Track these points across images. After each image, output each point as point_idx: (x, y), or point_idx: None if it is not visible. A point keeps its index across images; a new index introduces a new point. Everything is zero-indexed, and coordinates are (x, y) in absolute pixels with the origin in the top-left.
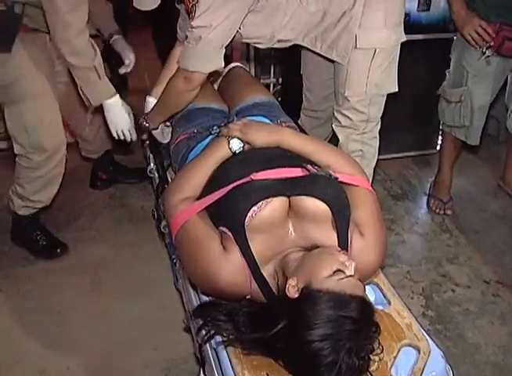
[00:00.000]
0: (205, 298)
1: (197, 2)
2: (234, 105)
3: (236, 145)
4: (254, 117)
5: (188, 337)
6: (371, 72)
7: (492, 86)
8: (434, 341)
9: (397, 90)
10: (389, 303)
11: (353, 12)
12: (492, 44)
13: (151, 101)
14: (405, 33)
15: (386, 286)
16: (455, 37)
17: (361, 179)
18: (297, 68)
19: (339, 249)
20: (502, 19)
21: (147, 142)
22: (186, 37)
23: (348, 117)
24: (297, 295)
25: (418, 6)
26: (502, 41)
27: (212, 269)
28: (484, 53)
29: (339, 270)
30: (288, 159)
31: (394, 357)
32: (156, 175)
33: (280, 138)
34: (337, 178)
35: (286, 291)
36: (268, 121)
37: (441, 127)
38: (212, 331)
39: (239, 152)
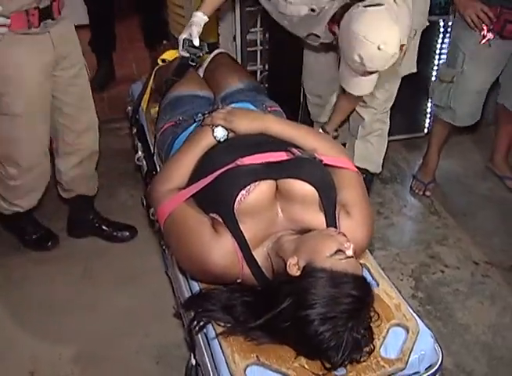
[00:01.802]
0: (195, 284)
1: None
2: (219, 91)
3: (220, 133)
4: (238, 104)
5: (179, 323)
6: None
7: (491, 70)
8: (423, 321)
9: (415, 71)
10: (377, 284)
11: None
12: (492, 27)
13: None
14: None
15: (374, 267)
16: (453, 19)
17: (345, 161)
18: (283, 55)
19: (337, 231)
20: (503, 2)
21: (135, 130)
22: None
23: (376, 96)
24: (298, 273)
25: None
26: (504, 23)
27: (204, 252)
28: (484, 37)
29: (340, 250)
30: (273, 144)
31: (384, 337)
32: (145, 162)
33: (264, 124)
34: (321, 161)
35: (288, 269)
36: (252, 107)
37: (429, 109)
38: (202, 322)
39: (224, 140)
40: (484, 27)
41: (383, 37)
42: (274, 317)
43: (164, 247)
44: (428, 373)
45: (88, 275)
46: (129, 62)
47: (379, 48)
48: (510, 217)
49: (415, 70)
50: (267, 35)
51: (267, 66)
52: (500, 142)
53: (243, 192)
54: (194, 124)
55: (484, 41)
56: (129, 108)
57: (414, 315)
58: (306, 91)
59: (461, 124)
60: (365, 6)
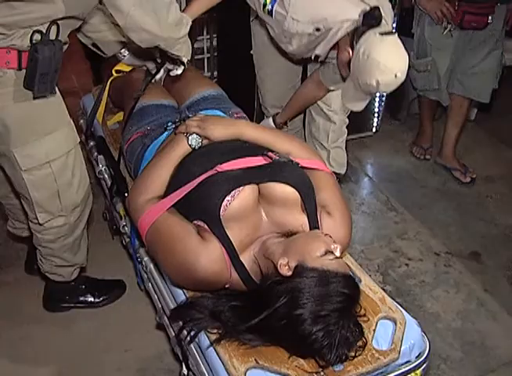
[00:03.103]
0: (179, 293)
1: None
2: (183, 100)
3: (194, 141)
4: (208, 111)
5: (159, 335)
6: None
7: (450, 55)
8: (407, 312)
9: None
10: (360, 280)
11: None
12: (452, 19)
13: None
14: None
15: (354, 264)
16: (417, 16)
17: (319, 163)
18: (232, 62)
19: (324, 233)
20: None
21: (91, 143)
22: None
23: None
24: (290, 273)
25: None
26: (463, 15)
27: (191, 259)
28: (446, 28)
29: (328, 251)
30: (248, 149)
31: (374, 330)
32: (107, 175)
33: (238, 130)
34: (298, 164)
35: (279, 269)
36: (222, 113)
37: (377, 109)
38: (193, 332)
39: (199, 147)
40: (445, 20)
41: (401, 66)
42: (268, 317)
43: (139, 260)
44: (418, 360)
45: None
46: (69, 74)
47: (395, 76)
48: (464, 208)
49: None
50: (214, 43)
51: (215, 74)
52: (448, 136)
53: (228, 198)
54: (165, 133)
55: (446, 31)
56: (81, 121)
57: (398, 307)
58: (266, 104)
59: (444, 103)
60: (381, 34)
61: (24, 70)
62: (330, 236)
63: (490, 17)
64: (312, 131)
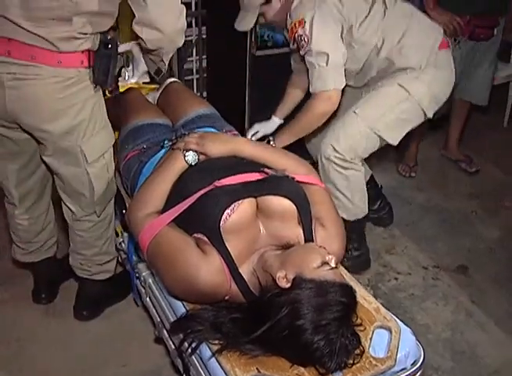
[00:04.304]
0: (178, 306)
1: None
2: (178, 118)
3: (191, 157)
4: (203, 129)
5: (157, 348)
6: None
7: (458, 65)
8: (402, 321)
9: None
10: (355, 291)
11: None
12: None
13: (277, 121)
14: None
15: (348, 276)
16: None
17: (314, 178)
18: (223, 83)
19: (318, 245)
20: (472, 11)
21: None
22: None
23: None
24: (288, 285)
25: None
26: (473, 28)
27: (192, 271)
28: (456, 40)
29: (324, 263)
30: (245, 165)
31: (370, 338)
32: None
33: (235, 147)
34: (293, 178)
35: (278, 281)
36: (216, 131)
37: None
38: (195, 343)
39: (195, 164)
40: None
41: None
42: (270, 329)
43: (137, 275)
44: (414, 368)
45: (52, 310)
46: None
47: None
48: (449, 223)
49: None
50: (204, 64)
51: (205, 94)
52: (453, 130)
53: (227, 211)
54: (163, 150)
55: (456, 44)
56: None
57: (393, 316)
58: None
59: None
60: None
61: (91, 68)
62: (324, 248)
63: (496, 29)
64: None
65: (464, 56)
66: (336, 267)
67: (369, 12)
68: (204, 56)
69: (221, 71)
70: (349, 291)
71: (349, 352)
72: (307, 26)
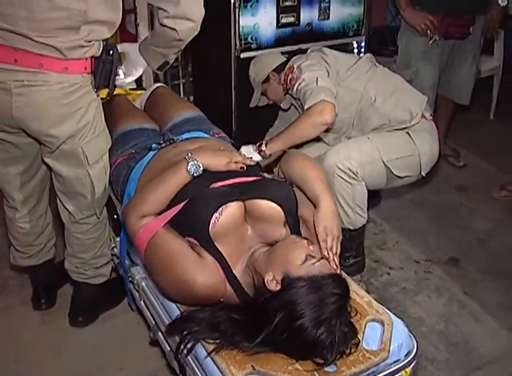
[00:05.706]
0: (172, 308)
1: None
2: (165, 123)
3: (194, 168)
4: (191, 133)
5: (153, 352)
6: None
7: (438, 65)
8: (394, 314)
9: None
10: None
11: None
12: (437, 30)
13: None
14: (310, 41)
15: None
16: (402, 28)
17: None
18: (209, 87)
19: (297, 238)
20: (445, 10)
21: None
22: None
23: None
24: (279, 287)
25: (319, 16)
26: (447, 27)
27: (190, 274)
28: (431, 38)
29: (309, 256)
30: (246, 171)
31: (363, 332)
32: None
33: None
34: (285, 180)
35: (267, 285)
36: (204, 135)
37: None
38: (190, 344)
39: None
40: (429, 32)
41: None
42: (271, 333)
43: (130, 279)
44: (407, 359)
45: (47, 318)
46: None
47: None
48: (439, 217)
49: None
50: (189, 69)
51: (191, 98)
52: (439, 126)
53: (216, 215)
54: (150, 153)
55: (431, 41)
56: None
57: (385, 309)
58: None
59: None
60: None
61: (92, 73)
62: (306, 238)
63: (471, 28)
64: None
65: (445, 55)
66: (322, 258)
67: (356, 62)
68: (190, 61)
69: (207, 75)
70: (340, 280)
71: (347, 341)
72: (296, 70)
